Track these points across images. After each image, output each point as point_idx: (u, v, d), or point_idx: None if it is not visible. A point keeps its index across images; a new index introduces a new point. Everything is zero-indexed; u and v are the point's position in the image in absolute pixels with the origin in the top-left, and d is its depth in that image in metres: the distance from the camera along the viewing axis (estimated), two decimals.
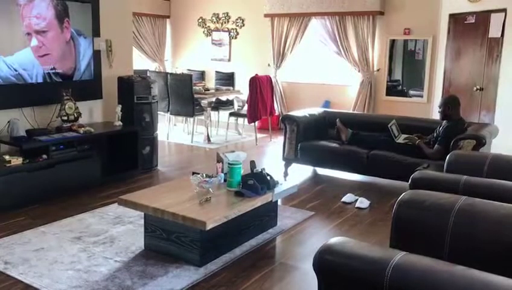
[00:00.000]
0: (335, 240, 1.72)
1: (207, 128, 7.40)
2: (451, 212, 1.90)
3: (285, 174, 5.47)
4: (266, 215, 3.77)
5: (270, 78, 7.72)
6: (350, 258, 1.61)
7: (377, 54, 7.71)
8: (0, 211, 3.98)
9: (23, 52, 4.45)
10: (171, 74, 7.68)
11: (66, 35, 4.80)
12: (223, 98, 7.94)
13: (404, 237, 2.05)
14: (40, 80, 4.62)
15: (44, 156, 4.35)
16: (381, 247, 1.71)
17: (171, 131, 7.78)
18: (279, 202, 4.03)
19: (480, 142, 4.25)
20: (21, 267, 3.07)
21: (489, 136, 4.44)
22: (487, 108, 5.92)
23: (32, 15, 4.46)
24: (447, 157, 3.23)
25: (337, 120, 5.40)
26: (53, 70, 4.73)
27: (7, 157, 4.13)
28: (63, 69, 4.82)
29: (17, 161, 4.15)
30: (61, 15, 4.72)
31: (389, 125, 5.02)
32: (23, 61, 4.46)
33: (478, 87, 6.02)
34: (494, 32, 5.73)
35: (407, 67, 7.68)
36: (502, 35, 5.58)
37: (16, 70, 4.40)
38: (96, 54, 5.24)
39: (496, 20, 5.69)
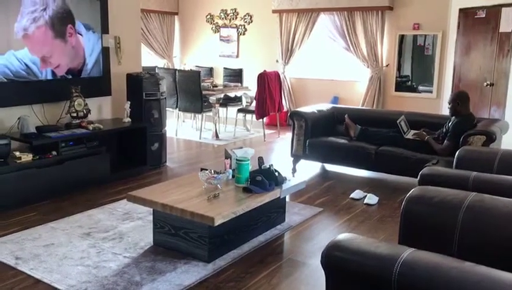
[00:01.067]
0: (343, 236, 1.71)
1: (215, 125, 7.41)
2: (461, 209, 1.89)
3: (294, 170, 5.46)
4: (274, 212, 3.77)
5: (279, 74, 7.71)
6: (358, 254, 1.60)
7: (386, 50, 7.66)
8: (11, 207, 4.03)
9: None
10: (179, 70, 7.69)
11: (71, 41, 4.82)
12: (231, 94, 7.93)
13: (413, 234, 2.04)
14: (49, 75, 4.65)
15: (54, 153, 4.39)
16: (390, 243, 1.70)
17: (180, 127, 7.81)
18: (287, 198, 4.03)
19: (491, 137, 4.22)
20: (31, 263, 3.10)
21: (499, 132, 4.40)
22: (497, 103, 5.87)
23: (35, 44, 4.48)
24: (457, 153, 3.21)
25: (346, 116, 5.37)
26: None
27: (17, 153, 4.17)
28: (71, 66, 4.85)
29: (27, 157, 4.19)
30: (63, 28, 4.71)
31: (397, 121, 5.00)
32: (33, 56, 4.49)
33: (488, 82, 5.97)
34: (504, 26, 5.67)
35: (417, 62, 7.62)
36: None
37: (26, 65, 4.43)
38: (105, 51, 5.26)
39: (506, 15, 5.63)
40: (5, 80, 4.31)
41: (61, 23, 4.69)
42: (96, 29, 5.06)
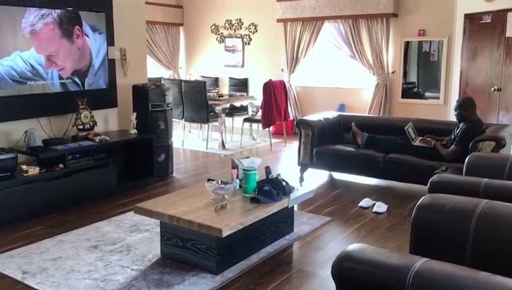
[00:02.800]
0: (354, 246, 1.68)
1: (221, 135, 7.41)
2: (473, 216, 1.85)
3: (301, 179, 5.43)
4: (282, 222, 3.73)
5: (284, 83, 7.70)
6: (370, 265, 1.57)
7: (392, 56, 7.64)
8: (18, 220, 4.02)
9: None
10: (185, 81, 7.71)
11: (78, 42, 4.84)
12: (237, 104, 7.94)
13: (424, 242, 2.00)
14: (55, 77, 4.65)
15: (61, 165, 4.39)
16: (402, 253, 1.67)
17: (186, 138, 7.80)
18: (295, 208, 4.00)
19: (500, 143, 4.17)
20: (39, 277, 3.08)
21: (509, 137, 4.35)
22: (506, 108, 5.81)
23: (42, 41, 4.50)
24: (466, 159, 3.17)
25: (353, 124, 5.35)
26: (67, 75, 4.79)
27: (24, 167, 4.18)
28: (77, 68, 4.85)
29: (34, 170, 4.19)
30: (70, 29, 4.73)
31: (405, 128, 4.96)
32: (39, 57, 4.49)
33: (496, 87, 5.92)
34: (511, 31, 5.63)
35: (423, 69, 7.59)
36: None
37: (31, 66, 4.44)
38: (111, 63, 5.27)
39: None
40: (12, 94, 4.33)
41: (69, 23, 4.72)
42: (102, 30, 5.06)
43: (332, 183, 5.48)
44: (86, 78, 4.94)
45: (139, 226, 3.97)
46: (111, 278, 3.06)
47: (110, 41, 5.23)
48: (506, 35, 5.71)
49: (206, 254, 3.14)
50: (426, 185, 2.77)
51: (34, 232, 3.88)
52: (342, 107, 7.99)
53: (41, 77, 4.53)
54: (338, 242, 3.74)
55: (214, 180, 3.60)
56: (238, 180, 3.69)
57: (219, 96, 7.62)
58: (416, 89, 7.62)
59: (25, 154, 4.38)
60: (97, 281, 3.02)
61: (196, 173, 5.91)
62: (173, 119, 5.91)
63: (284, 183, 3.59)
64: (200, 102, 7.21)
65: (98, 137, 4.77)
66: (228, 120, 7.98)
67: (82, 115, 4.80)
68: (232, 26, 9.28)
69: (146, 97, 5.33)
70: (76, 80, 4.85)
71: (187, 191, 3.76)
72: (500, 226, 1.82)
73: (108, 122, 5.43)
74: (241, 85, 8.75)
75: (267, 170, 3.79)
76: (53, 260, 3.33)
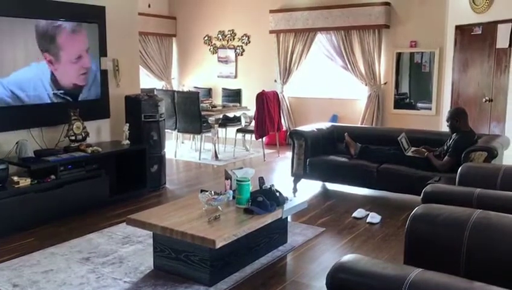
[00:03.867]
0: (348, 257, 1.68)
1: (214, 145, 7.39)
2: (466, 226, 1.85)
3: (295, 190, 5.42)
4: (276, 233, 3.72)
5: (277, 93, 7.72)
6: (364, 276, 1.56)
7: (384, 68, 7.69)
8: (8, 232, 3.97)
9: (21, 72, 4.45)
10: (178, 91, 7.70)
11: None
12: (230, 114, 7.94)
13: (419, 253, 2.00)
14: (41, 98, 4.63)
15: (53, 177, 4.35)
16: (396, 264, 1.67)
17: (179, 148, 7.78)
18: (289, 219, 3.99)
19: (492, 153, 4.19)
20: None
21: (500, 148, 4.38)
22: (497, 119, 5.85)
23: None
24: (459, 169, 3.18)
25: (346, 134, 5.36)
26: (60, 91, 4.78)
27: (15, 178, 4.13)
28: (67, 83, 4.86)
29: (25, 182, 4.15)
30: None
31: (398, 138, 4.98)
32: (21, 81, 4.45)
33: (487, 98, 5.97)
34: (501, 42, 5.69)
35: (414, 79, 7.64)
36: (510, 45, 5.53)
37: (11, 92, 4.37)
38: (104, 74, 5.26)
39: (503, 31, 5.66)
40: (3, 105, 4.30)
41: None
42: (94, 52, 5.07)
43: (325, 193, 5.47)
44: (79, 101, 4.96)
45: (131, 238, 3.94)
46: None
47: (103, 52, 5.23)
48: (497, 47, 5.77)
49: (200, 266, 3.12)
50: (419, 195, 2.78)
51: (24, 244, 3.83)
52: (334, 118, 8.01)
53: (22, 103, 4.47)
54: (332, 253, 3.73)
55: (207, 191, 3.58)
56: (231, 191, 3.67)
57: (212, 107, 7.61)
58: (408, 99, 7.67)
59: (16, 165, 4.34)
60: None
61: (189, 184, 5.88)
62: (166, 130, 5.90)
63: (277, 194, 3.58)
64: (193, 113, 7.20)
65: (90, 148, 4.74)
66: (221, 131, 7.97)
67: (74, 126, 4.77)
68: (225, 37, 9.31)
69: (139, 108, 5.32)
70: (70, 100, 4.85)
71: (180, 202, 3.74)
72: (493, 236, 1.82)
73: (100, 133, 5.40)
74: (234, 96, 8.75)
75: (261, 180, 3.78)
76: (44, 273, 3.29)
